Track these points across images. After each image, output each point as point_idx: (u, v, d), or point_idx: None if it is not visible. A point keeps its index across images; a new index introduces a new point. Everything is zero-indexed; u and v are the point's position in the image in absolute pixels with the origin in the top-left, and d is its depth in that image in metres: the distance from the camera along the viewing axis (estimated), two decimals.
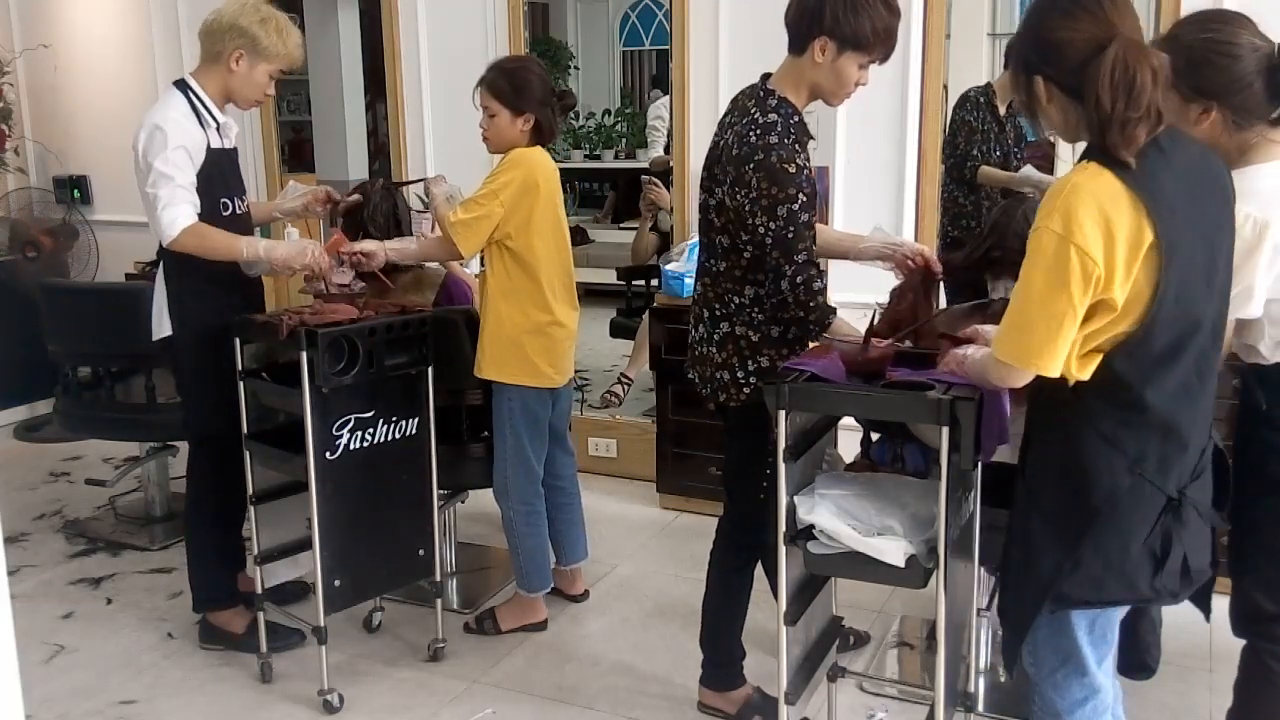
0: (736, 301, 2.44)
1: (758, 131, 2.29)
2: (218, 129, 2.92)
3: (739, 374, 2.47)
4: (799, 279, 2.30)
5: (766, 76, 2.41)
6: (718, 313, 2.48)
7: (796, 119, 2.36)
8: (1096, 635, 1.84)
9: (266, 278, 3.14)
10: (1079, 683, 1.85)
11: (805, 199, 2.29)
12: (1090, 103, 1.60)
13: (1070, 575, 1.73)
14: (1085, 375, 1.66)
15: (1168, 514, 1.71)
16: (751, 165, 2.28)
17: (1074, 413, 1.71)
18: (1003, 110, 3.90)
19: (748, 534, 2.58)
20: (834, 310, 2.35)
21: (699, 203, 2.52)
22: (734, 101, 2.44)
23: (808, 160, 2.34)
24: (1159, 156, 1.64)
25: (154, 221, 2.79)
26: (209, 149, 2.87)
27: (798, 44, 2.33)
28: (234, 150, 3.01)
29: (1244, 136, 1.99)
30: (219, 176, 2.91)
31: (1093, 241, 1.57)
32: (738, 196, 2.32)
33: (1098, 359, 1.66)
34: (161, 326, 2.96)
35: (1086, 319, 1.63)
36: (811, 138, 2.42)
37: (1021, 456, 1.85)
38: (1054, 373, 1.66)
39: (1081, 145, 1.70)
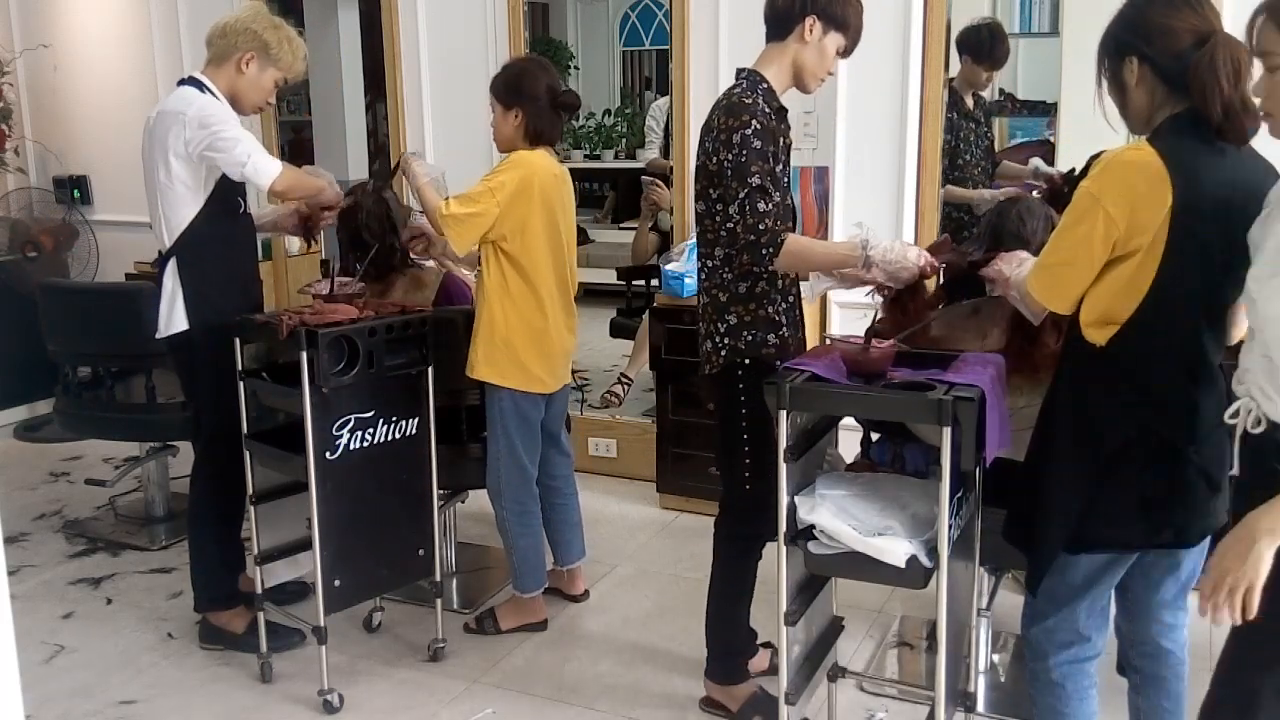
0: (710, 266, 2.49)
1: (725, 94, 2.45)
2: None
3: (716, 338, 2.49)
4: (748, 202, 2.32)
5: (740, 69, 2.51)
6: (697, 288, 2.55)
7: (765, 85, 2.45)
8: (1097, 590, 1.97)
9: (265, 278, 3.16)
10: (1067, 629, 2.00)
11: (760, 127, 2.35)
12: (1209, 89, 1.73)
13: (1088, 518, 1.86)
14: (1102, 341, 1.83)
15: (1167, 460, 1.83)
16: (717, 111, 2.41)
17: (1098, 365, 1.85)
18: (970, 103, 3.93)
19: (740, 521, 2.59)
20: (787, 230, 2.35)
21: (690, 198, 2.57)
22: None
23: (771, 115, 2.40)
24: (1207, 149, 1.77)
25: (249, 171, 2.77)
26: None
27: (783, 27, 2.45)
28: None
29: None
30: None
31: (1119, 208, 1.76)
32: (705, 143, 2.41)
33: (1114, 329, 1.82)
34: (171, 323, 2.94)
35: (1118, 263, 1.80)
36: (783, 108, 2.48)
37: (1046, 405, 1.98)
38: (1064, 310, 1.90)
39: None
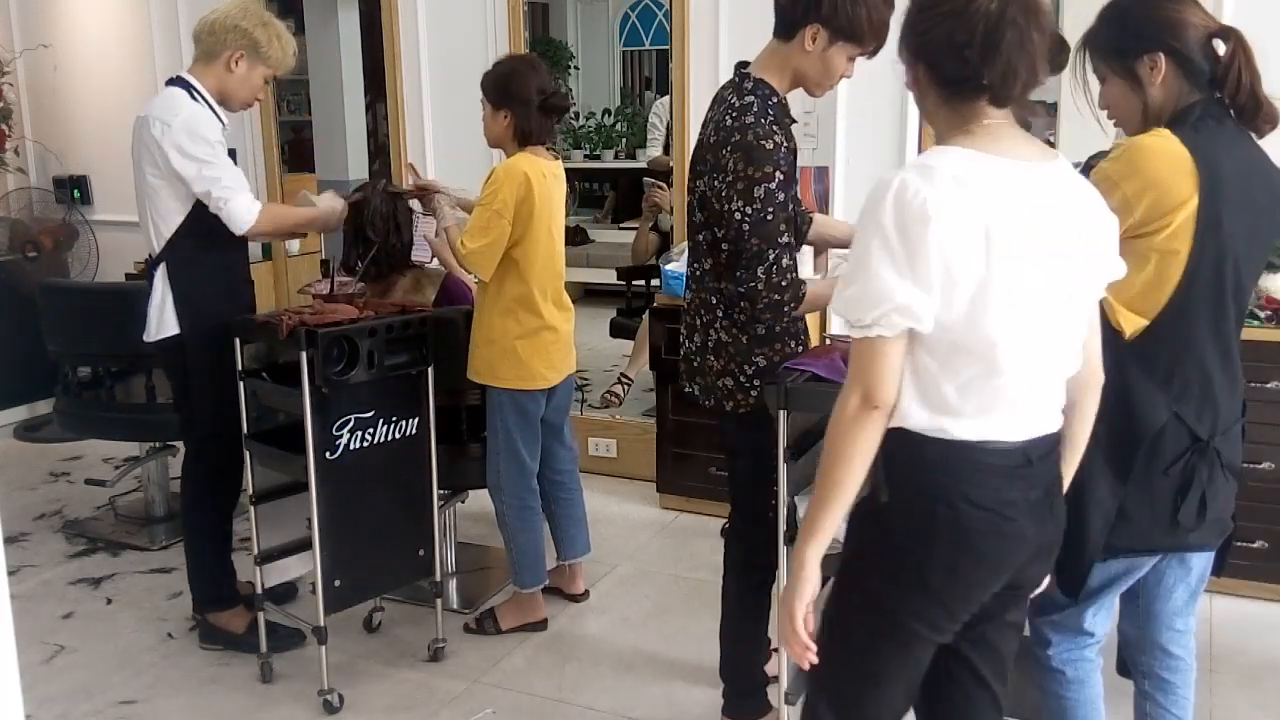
0: (724, 303, 2.36)
1: (734, 114, 2.24)
2: (222, 129, 2.93)
3: (741, 378, 2.38)
4: (776, 265, 2.21)
5: (744, 64, 2.34)
6: (706, 318, 2.41)
7: (775, 100, 2.28)
8: (1109, 593, 2.01)
9: (263, 279, 3.15)
10: (1073, 625, 2.05)
11: (783, 178, 2.20)
12: (1242, 80, 1.77)
13: (1119, 526, 1.86)
14: (1130, 331, 1.81)
15: (1194, 454, 1.83)
16: (728, 148, 2.22)
17: (1128, 357, 1.82)
18: None
19: (756, 552, 2.48)
20: (804, 282, 2.29)
21: (686, 203, 2.48)
22: (715, 96, 2.38)
23: (788, 140, 2.27)
24: (1229, 138, 1.79)
25: (224, 215, 2.81)
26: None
27: (787, 29, 2.25)
28: (233, 150, 3.01)
29: (955, 110, 1.55)
30: None
31: (1137, 191, 1.75)
32: (715, 183, 2.25)
33: (1144, 321, 1.81)
34: (162, 327, 2.94)
35: (1138, 257, 1.76)
36: (793, 120, 2.34)
37: None
38: None
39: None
